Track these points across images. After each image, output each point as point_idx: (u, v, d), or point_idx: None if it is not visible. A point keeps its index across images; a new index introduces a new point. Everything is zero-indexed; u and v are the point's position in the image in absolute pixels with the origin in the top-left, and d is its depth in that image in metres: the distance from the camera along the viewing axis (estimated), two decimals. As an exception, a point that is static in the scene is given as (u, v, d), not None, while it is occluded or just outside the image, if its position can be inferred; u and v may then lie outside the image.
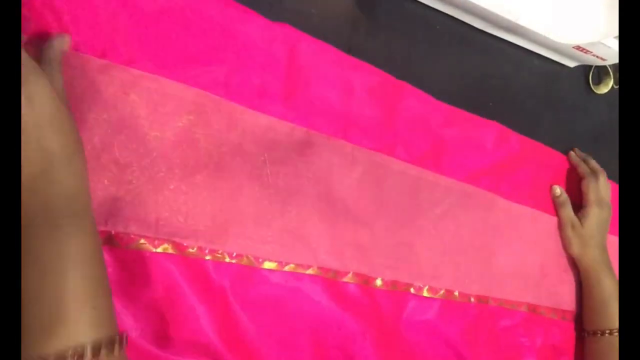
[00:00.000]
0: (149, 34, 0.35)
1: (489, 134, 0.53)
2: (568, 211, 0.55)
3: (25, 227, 0.25)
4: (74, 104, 0.32)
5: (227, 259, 0.37)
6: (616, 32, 0.53)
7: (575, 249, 0.55)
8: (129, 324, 0.34)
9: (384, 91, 0.46)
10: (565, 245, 0.56)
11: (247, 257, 0.38)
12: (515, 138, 0.56)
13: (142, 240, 0.34)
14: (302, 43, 0.42)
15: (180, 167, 0.36)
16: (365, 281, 0.43)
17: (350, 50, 0.47)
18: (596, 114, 0.67)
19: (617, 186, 0.65)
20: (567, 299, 0.57)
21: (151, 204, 0.34)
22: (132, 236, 0.33)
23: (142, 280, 0.34)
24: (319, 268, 0.40)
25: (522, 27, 0.53)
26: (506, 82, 0.59)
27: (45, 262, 0.25)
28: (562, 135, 0.63)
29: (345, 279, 0.41)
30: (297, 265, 0.39)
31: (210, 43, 0.37)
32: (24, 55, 0.26)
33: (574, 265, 0.58)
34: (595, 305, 0.54)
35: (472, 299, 0.49)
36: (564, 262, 0.58)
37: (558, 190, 0.55)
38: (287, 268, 0.39)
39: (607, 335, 0.52)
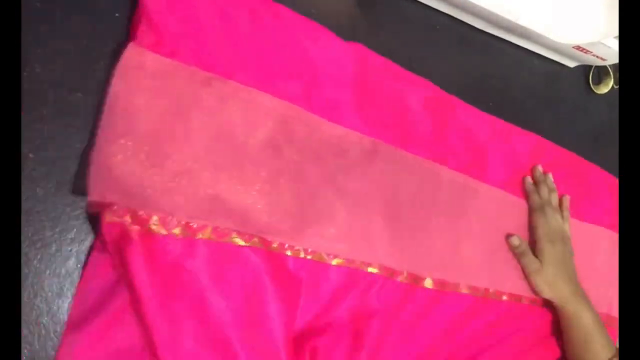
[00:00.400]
0: (245, 51, 0.39)
1: (527, 144, 0.57)
2: (528, 258, 0.52)
3: None
4: (180, 112, 0.36)
5: (303, 255, 0.40)
6: (616, 32, 0.53)
7: (545, 292, 0.52)
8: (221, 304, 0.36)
9: (437, 105, 0.50)
10: (536, 292, 0.53)
11: (320, 254, 0.41)
12: (550, 148, 0.60)
13: (235, 235, 0.37)
14: (369, 60, 0.46)
15: (266, 170, 0.39)
16: (415, 280, 0.46)
17: (350, 50, 0.47)
18: (596, 114, 0.67)
19: (617, 182, 0.65)
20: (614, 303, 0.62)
21: (241, 203, 0.38)
22: (227, 230, 0.37)
23: (233, 269, 0.37)
24: (380, 266, 0.44)
25: (522, 27, 0.53)
26: (506, 82, 0.59)
27: None
28: (562, 135, 0.63)
29: (399, 278, 0.45)
30: (362, 262, 0.43)
31: (291, 60, 0.41)
32: None
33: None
34: (579, 342, 0.52)
35: (505, 297, 0.52)
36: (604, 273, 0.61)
37: (517, 241, 0.52)
38: (352, 265, 0.43)
39: None
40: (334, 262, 0.42)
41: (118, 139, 0.34)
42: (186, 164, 0.36)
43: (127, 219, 0.33)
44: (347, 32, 0.47)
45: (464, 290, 0.49)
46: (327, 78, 0.43)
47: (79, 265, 0.35)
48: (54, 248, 0.34)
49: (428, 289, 0.47)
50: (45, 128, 0.35)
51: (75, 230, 0.35)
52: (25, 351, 0.33)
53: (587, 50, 0.57)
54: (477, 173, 0.52)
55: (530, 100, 0.61)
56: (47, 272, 0.34)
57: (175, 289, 0.34)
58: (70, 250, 0.35)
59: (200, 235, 0.36)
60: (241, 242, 0.37)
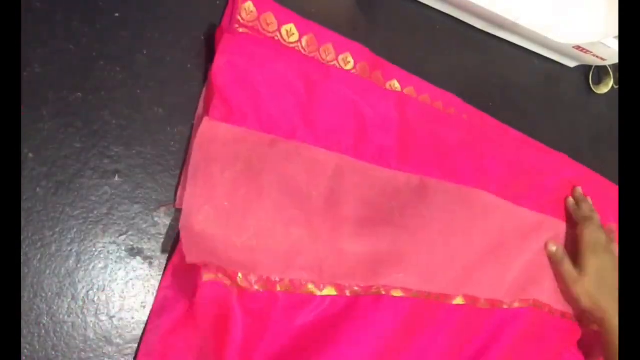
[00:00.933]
0: (302, 113, 0.43)
1: (553, 163, 0.60)
2: (567, 266, 0.51)
3: None
4: (251, 174, 0.39)
5: (383, 292, 0.44)
6: (616, 32, 0.53)
7: (584, 302, 0.50)
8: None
9: (472, 139, 0.53)
10: (575, 301, 0.51)
11: (379, 287, 0.44)
12: (576, 168, 0.62)
13: (310, 285, 0.41)
14: (409, 106, 0.49)
15: (331, 220, 0.43)
16: (473, 301, 0.50)
17: (350, 50, 0.47)
18: (596, 114, 0.67)
19: (616, 187, 0.65)
20: None
21: (314, 253, 0.41)
22: (303, 282, 0.41)
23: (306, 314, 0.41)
24: (436, 294, 0.47)
25: (522, 27, 0.53)
26: (506, 82, 0.59)
27: None
28: (562, 135, 0.63)
29: (455, 301, 0.49)
30: (419, 292, 0.46)
31: (341, 114, 0.45)
32: None
33: None
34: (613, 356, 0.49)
35: (549, 309, 0.54)
36: None
37: (554, 247, 0.52)
38: (412, 295, 0.46)
39: None
40: (393, 293, 0.45)
41: (202, 206, 0.37)
42: (261, 223, 0.39)
43: (221, 276, 0.36)
44: (347, 32, 0.47)
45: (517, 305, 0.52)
46: (374, 127, 0.47)
47: (78, 265, 0.35)
48: (54, 248, 0.34)
49: (482, 308, 0.50)
50: (45, 128, 0.35)
51: (75, 230, 0.35)
52: (25, 351, 0.33)
53: (587, 50, 0.57)
54: (513, 197, 0.55)
55: (530, 100, 0.61)
56: (47, 272, 0.34)
57: (260, 336, 0.39)
58: (70, 250, 0.35)
59: (279, 288, 0.39)
60: (316, 292, 0.41)
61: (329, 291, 0.42)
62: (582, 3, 0.52)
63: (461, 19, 0.54)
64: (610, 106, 0.68)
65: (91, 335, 0.35)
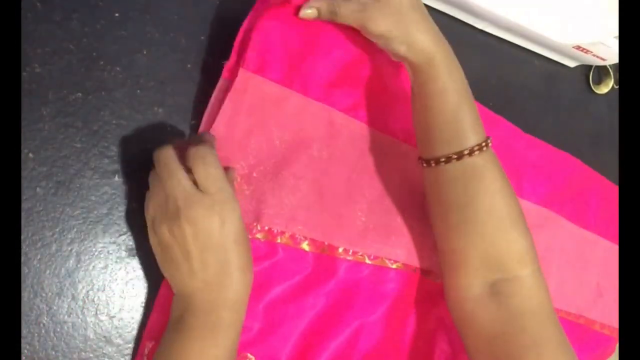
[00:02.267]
0: (321, 70, 0.42)
1: (559, 162, 0.60)
2: (347, 4, 0.36)
3: (195, 310, 0.32)
4: (260, 121, 0.40)
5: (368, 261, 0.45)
6: (616, 32, 0.53)
7: (399, 38, 0.36)
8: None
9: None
10: (383, 45, 0.38)
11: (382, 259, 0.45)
12: (581, 169, 0.62)
13: (305, 242, 0.42)
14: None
15: (334, 182, 0.43)
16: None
17: (350, 50, 0.47)
18: (596, 114, 0.67)
19: (617, 188, 0.65)
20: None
21: (316, 213, 0.42)
22: (302, 238, 0.41)
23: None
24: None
25: (522, 27, 0.53)
26: (506, 82, 0.59)
27: (204, 337, 0.32)
28: (562, 135, 0.63)
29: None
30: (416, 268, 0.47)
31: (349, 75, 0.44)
32: (226, 181, 0.33)
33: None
34: (435, 122, 0.38)
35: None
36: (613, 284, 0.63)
37: (308, 10, 0.37)
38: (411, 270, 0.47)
39: (465, 158, 0.37)
40: (394, 266, 0.46)
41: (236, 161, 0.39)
42: (267, 174, 0.40)
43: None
44: (347, 32, 0.47)
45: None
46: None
47: (78, 265, 0.35)
48: (54, 248, 0.34)
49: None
50: (45, 128, 0.35)
51: (75, 230, 0.35)
52: (25, 351, 0.33)
53: (587, 50, 0.57)
54: (517, 190, 0.51)
55: (530, 100, 0.61)
56: (47, 272, 0.34)
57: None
58: (71, 250, 0.35)
59: (279, 240, 0.40)
60: (309, 249, 0.42)
61: (324, 250, 0.42)
62: (582, 3, 0.52)
63: (461, 19, 0.54)
64: (610, 106, 0.68)
65: (91, 335, 0.35)
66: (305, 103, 0.42)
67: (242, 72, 0.38)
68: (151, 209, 0.33)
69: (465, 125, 0.37)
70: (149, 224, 0.34)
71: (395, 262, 0.46)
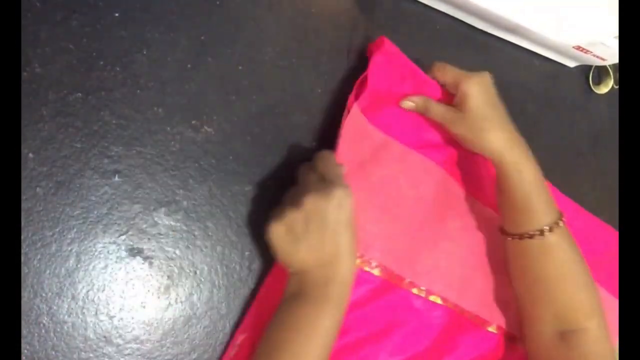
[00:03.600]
0: (421, 125, 0.48)
1: (600, 232, 0.61)
2: (437, 107, 0.43)
3: (311, 284, 0.37)
4: (360, 165, 0.44)
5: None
6: (616, 32, 0.53)
7: (473, 141, 0.43)
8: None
9: None
10: (462, 144, 0.45)
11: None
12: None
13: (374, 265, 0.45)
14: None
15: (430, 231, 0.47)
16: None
17: (350, 50, 0.47)
18: (596, 114, 0.67)
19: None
20: None
21: (397, 241, 0.46)
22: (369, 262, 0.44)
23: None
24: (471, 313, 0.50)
25: (522, 27, 0.53)
26: (506, 82, 0.59)
27: (318, 308, 0.36)
28: (562, 135, 0.63)
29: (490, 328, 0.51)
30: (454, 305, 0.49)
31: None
32: (342, 174, 0.39)
33: None
34: (517, 204, 0.43)
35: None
36: None
37: (409, 102, 0.44)
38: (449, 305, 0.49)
39: (537, 237, 0.43)
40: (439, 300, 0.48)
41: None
42: (361, 205, 0.42)
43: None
44: (347, 32, 0.47)
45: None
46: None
47: (78, 265, 0.35)
48: (54, 248, 0.34)
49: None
50: (45, 128, 0.35)
51: (75, 230, 0.35)
52: (25, 351, 0.33)
53: (587, 50, 0.57)
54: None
55: (530, 100, 0.61)
56: (47, 272, 0.34)
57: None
58: (71, 250, 0.35)
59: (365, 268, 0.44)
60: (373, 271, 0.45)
61: (392, 279, 0.45)
62: (582, 3, 0.52)
63: (461, 19, 0.54)
64: (610, 106, 0.68)
65: (91, 335, 0.35)
66: (403, 150, 0.46)
67: (354, 111, 0.43)
68: (286, 199, 0.39)
69: (538, 208, 0.43)
70: (277, 214, 0.38)
71: (468, 312, 0.49)
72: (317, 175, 0.38)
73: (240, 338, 0.40)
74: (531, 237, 0.43)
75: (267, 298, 0.40)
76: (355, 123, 0.43)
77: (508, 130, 0.43)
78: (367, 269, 0.44)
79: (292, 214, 0.36)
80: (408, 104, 0.45)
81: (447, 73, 0.44)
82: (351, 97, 0.43)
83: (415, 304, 0.47)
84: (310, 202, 0.36)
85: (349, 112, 0.43)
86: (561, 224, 0.43)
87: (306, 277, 0.37)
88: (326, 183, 0.37)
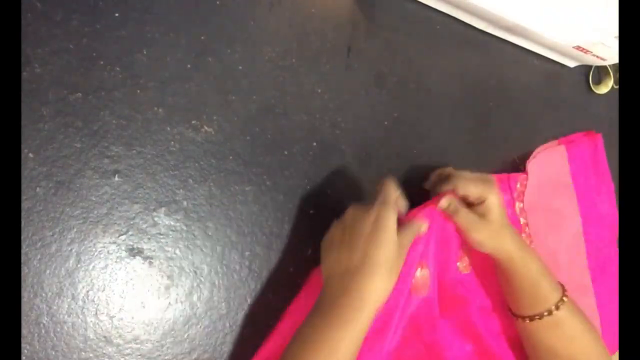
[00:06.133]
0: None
1: None
2: (464, 213, 0.49)
3: (329, 293, 0.38)
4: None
5: None
6: (616, 32, 0.53)
7: (490, 246, 0.49)
8: None
9: None
10: (477, 247, 0.50)
11: None
12: None
13: None
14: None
15: None
16: None
17: (350, 50, 0.47)
18: (596, 114, 0.67)
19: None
20: None
21: None
22: None
23: None
24: None
25: (522, 27, 0.53)
26: (506, 82, 0.59)
27: (348, 323, 0.36)
28: (562, 135, 0.63)
29: None
30: None
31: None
32: (392, 196, 0.41)
33: None
34: (525, 288, 0.49)
35: None
36: None
37: (446, 202, 0.49)
38: None
39: (545, 317, 0.48)
40: None
41: None
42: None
43: None
44: (347, 32, 0.47)
45: None
46: None
47: (78, 265, 0.35)
48: (54, 248, 0.34)
49: None
50: (45, 128, 0.35)
51: (75, 230, 0.35)
52: (25, 351, 0.33)
53: (587, 50, 0.57)
54: None
55: (530, 100, 0.61)
56: (47, 272, 0.34)
57: None
58: (70, 250, 0.35)
59: None
60: None
61: None
62: (582, 3, 0.51)
63: (461, 19, 0.54)
64: (610, 106, 0.68)
65: (91, 335, 0.35)
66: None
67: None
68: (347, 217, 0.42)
69: (545, 292, 0.48)
70: (333, 229, 0.41)
71: None
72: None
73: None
74: (540, 317, 0.48)
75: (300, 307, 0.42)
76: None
77: (516, 235, 0.51)
78: None
79: (334, 227, 0.40)
80: (443, 203, 0.49)
81: (471, 189, 0.49)
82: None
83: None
84: (350, 215, 0.40)
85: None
86: (566, 299, 0.48)
87: (327, 283, 0.39)
88: (370, 205, 0.40)
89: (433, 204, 0.48)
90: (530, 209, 0.58)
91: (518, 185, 0.55)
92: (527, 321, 0.49)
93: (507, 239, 0.49)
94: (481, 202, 0.49)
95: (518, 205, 0.56)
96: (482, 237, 0.49)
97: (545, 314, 0.48)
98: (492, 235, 0.49)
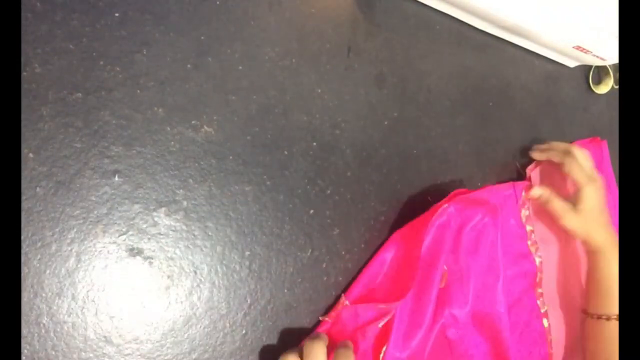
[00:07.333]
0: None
1: None
2: (557, 202, 0.51)
3: None
4: None
5: None
6: (616, 32, 0.53)
7: (581, 234, 0.51)
8: None
9: None
10: (570, 234, 0.52)
11: None
12: None
13: None
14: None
15: None
16: None
17: (350, 50, 0.47)
18: (596, 114, 0.67)
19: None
20: None
21: None
22: None
23: None
24: None
25: (522, 27, 0.53)
26: (506, 82, 0.59)
27: None
28: (562, 135, 0.63)
29: None
30: None
31: None
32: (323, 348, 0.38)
33: None
34: (602, 289, 0.50)
35: None
36: None
37: (538, 191, 0.52)
38: None
39: (613, 320, 0.49)
40: None
41: None
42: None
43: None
44: (347, 32, 0.47)
45: None
46: None
47: (78, 265, 0.35)
48: (54, 248, 0.34)
49: None
50: (45, 128, 0.35)
51: (75, 230, 0.35)
52: (25, 351, 0.33)
53: (587, 50, 0.57)
54: None
55: (530, 100, 0.61)
56: (47, 272, 0.34)
57: None
58: (71, 250, 0.35)
59: None
60: None
61: None
62: (582, 3, 0.52)
63: (461, 19, 0.54)
64: (610, 106, 0.68)
65: (91, 335, 0.35)
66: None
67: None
68: None
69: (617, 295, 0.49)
70: None
71: None
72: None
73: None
74: (608, 319, 0.49)
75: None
76: None
77: (610, 232, 0.51)
78: None
79: None
80: (536, 191, 0.52)
81: (575, 172, 0.51)
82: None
83: None
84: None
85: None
86: None
87: None
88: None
89: (450, 200, 0.48)
90: (536, 216, 0.58)
91: (523, 193, 0.55)
92: (595, 319, 0.50)
93: (601, 231, 0.51)
94: (577, 190, 0.51)
95: (524, 212, 0.56)
96: (573, 225, 0.50)
97: (614, 318, 0.49)
98: (583, 224, 0.50)
